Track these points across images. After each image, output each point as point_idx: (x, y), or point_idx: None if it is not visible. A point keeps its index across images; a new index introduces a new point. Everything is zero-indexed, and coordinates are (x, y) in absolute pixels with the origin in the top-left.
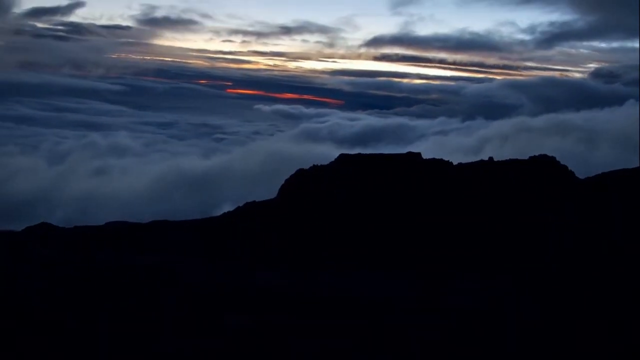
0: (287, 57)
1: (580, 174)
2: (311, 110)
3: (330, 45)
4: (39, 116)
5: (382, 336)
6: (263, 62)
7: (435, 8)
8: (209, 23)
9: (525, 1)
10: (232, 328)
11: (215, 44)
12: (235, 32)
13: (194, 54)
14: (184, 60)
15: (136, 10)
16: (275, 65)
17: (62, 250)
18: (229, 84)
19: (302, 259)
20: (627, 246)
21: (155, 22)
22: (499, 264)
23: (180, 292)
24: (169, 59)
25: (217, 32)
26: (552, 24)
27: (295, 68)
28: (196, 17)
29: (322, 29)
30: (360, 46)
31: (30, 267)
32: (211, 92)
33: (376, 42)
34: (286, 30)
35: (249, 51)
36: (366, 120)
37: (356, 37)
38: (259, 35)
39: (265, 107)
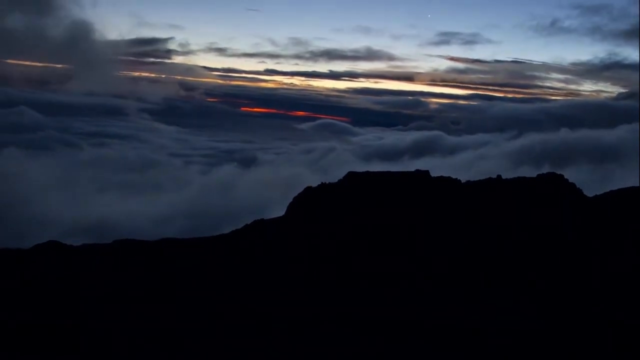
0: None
1: (589, 192)
2: (339, 127)
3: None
4: (109, 132)
5: (390, 356)
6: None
7: (508, 45)
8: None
9: (600, 40)
10: (234, 347)
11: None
12: (298, 56)
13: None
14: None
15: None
16: (307, 85)
17: (67, 269)
18: (244, 101)
19: (307, 277)
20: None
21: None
22: (507, 281)
23: (182, 309)
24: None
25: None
26: (609, 57)
27: (313, 87)
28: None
29: (390, 57)
30: (415, 74)
31: (34, 285)
32: (235, 110)
33: (428, 73)
34: (356, 56)
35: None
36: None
37: (418, 66)
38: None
39: (302, 125)
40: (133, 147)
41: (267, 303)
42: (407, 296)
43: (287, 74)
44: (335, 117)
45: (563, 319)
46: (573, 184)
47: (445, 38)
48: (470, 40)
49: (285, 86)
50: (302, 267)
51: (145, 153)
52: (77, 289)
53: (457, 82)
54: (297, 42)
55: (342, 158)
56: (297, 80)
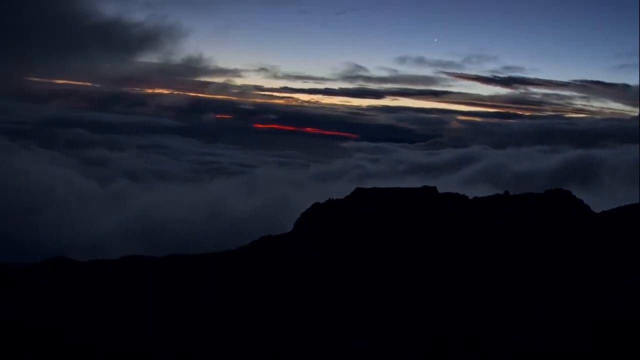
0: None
1: (596, 208)
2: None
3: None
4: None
5: None
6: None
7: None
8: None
9: None
10: None
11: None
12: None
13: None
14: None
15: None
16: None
17: (71, 285)
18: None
19: (314, 293)
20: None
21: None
22: (513, 295)
23: (186, 324)
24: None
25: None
26: None
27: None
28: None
29: (438, 82)
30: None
31: (36, 302)
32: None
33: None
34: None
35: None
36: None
37: (456, 91)
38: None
39: (348, 144)
40: (186, 161)
41: (271, 317)
42: (411, 310)
43: (307, 92)
44: (346, 134)
45: (571, 328)
46: (580, 200)
47: (506, 71)
48: (527, 72)
49: (303, 104)
50: (307, 283)
51: (196, 165)
52: (82, 305)
53: (483, 102)
54: (356, 67)
55: (378, 173)
56: (317, 98)
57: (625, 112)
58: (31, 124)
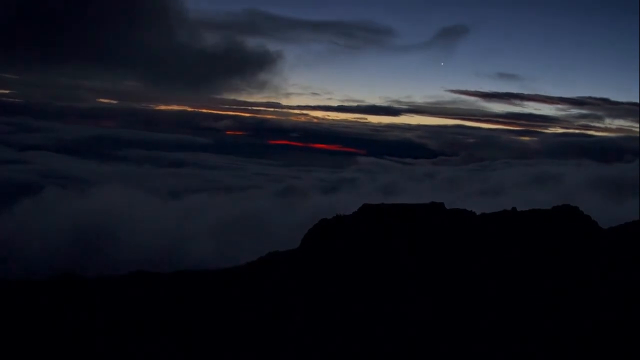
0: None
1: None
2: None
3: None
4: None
5: None
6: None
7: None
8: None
9: None
10: None
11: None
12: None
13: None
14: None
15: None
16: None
17: (79, 301)
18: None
19: (320, 310)
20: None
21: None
22: (519, 312)
23: (190, 341)
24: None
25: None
26: None
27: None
28: None
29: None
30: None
31: (45, 317)
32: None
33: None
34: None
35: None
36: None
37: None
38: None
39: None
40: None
41: (276, 334)
42: (416, 326)
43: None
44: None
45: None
46: (588, 216)
47: (518, 88)
48: (538, 88)
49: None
50: (313, 301)
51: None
52: (87, 321)
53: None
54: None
55: (396, 187)
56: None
57: (633, 129)
58: (83, 142)
